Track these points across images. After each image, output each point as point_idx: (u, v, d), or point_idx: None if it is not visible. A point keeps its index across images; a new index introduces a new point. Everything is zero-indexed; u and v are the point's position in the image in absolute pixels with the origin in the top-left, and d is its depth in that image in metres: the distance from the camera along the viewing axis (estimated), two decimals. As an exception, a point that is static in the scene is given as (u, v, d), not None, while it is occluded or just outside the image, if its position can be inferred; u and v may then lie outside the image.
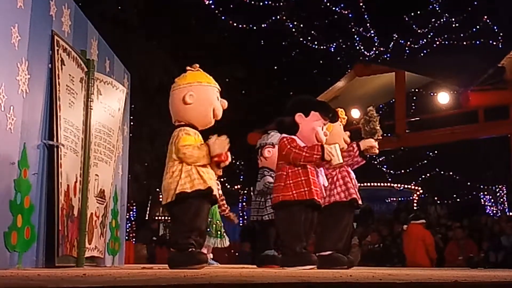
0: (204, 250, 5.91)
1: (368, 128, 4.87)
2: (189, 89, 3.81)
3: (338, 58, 17.75)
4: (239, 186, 17.32)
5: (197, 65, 3.96)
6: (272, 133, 5.61)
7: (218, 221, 6.51)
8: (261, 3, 15.50)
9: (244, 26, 15.49)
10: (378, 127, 4.89)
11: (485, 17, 16.11)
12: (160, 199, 4.32)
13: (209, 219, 6.15)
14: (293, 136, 4.26)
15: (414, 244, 9.60)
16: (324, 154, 4.14)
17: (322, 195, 4.39)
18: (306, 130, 4.28)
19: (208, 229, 6.23)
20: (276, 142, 4.97)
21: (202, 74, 3.92)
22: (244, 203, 17.77)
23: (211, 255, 6.61)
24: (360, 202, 4.84)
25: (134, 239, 14.64)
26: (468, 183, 19.47)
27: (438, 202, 15.66)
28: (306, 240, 4.24)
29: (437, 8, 16.93)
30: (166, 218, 15.94)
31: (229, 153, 3.84)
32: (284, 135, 4.32)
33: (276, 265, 5.04)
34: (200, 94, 3.81)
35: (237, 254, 12.96)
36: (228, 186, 15.32)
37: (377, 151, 4.94)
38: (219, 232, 6.46)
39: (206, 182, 3.70)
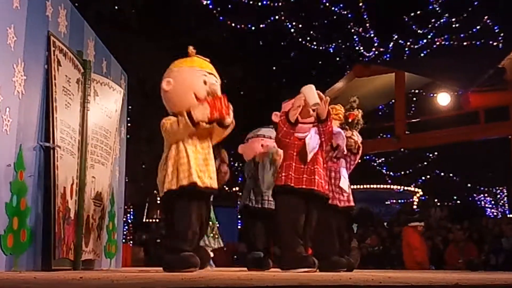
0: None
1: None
2: (168, 75, 3.68)
3: (338, 59, 17.75)
4: (237, 188, 17.30)
5: (191, 48, 3.76)
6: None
7: (211, 222, 6.46)
8: (260, 3, 15.50)
9: (243, 26, 15.48)
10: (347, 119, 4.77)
11: (486, 17, 16.11)
12: (158, 201, 4.31)
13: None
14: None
15: (403, 246, 9.70)
16: (290, 115, 4.13)
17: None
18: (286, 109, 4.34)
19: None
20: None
21: (188, 59, 3.74)
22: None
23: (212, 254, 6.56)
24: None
25: (131, 242, 14.62)
26: (468, 185, 19.48)
27: (438, 204, 15.66)
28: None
29: (437, 9, 16.93)
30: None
31: (227, 107, 3.59)
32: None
33: (262, 269, 5.02)
34: (178, 79, 3.64)
35: (235, 257, 12.95)
36: (226, 188, 15.29)
37: (354, 144, 4.83)
38: (213, 233, 6.41)
39: (191, 176, 3.52)
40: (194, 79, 3.65)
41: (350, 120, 4.84)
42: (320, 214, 4.40)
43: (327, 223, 4.66)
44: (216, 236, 6.31)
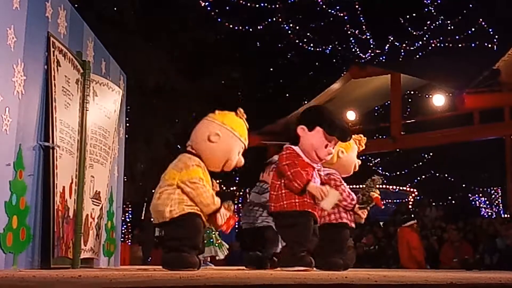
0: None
1: (363, 198, 4.71)
2: (220, 130, 3.73)
3: (334, 60, 17.80)
4: (234, 188, 17.33)
5: (243, 112, 3.88)
6: None
7: (215, 232, 6.51)
8: (257, 5, 15.53)
9: (241, 28, 15.52)
10: (371, 200, 4.71)
11: (481, 19, 16.18)
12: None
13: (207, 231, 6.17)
14: (295, 149, 4.12)
15: (401, 247, 9.73)
16: (306, 190, 4.01)
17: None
18: (306, 144, 4.11)
19: (206, 241, 6.24)
20: None
21: (241, 123, 3.85)
22: (240, 205, 17.76)
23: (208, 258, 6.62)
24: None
25: (129, 241, 14.63)
26: (463, 185, 19.56)
27: (434, 204, 15.72)
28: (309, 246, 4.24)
29: (433, 11, 17.00)
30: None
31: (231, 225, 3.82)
32: (288, 145, 4.20)
33: (262, 268, 5.05)
34: (225, 140, 3.73)
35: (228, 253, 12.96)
36: (224, 188, 15.33)
37: (362, 220, 4.88)
38: (218, 242, 6.48)
39: (180, 207, 3.66)
40: (234, 148, 3.79)
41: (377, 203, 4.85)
42: (329, 230, 4.53)
43: (338, 237, 4.71)
44: (218, 242, 6.37)
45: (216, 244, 6.42)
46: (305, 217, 4.12)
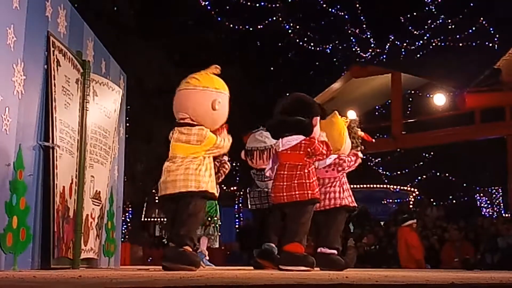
0: (205, 240, 6.01)
1: (354, 141, 5.10)
2: (218, 96, 3.94)
3: (335, 60, 17.78)
4: (235, 188, 17.32)
5: (219, 67, 4.04)
6: (263, 133, 5.50)
7: (217, 218, 6.52)
8: (257, 4, 15.52)
9: (241, 27, 15.51)
10: (361, 139, 5.14)
11: (481, 18, 16.15)
12: (157, 201, 4.37)
13: (211, 216, 6.22)
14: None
15: (400, 247, 9.73)
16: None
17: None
18: (317, 133, 4.43)
19: (212, 224, 6.29)
20: (274, 144, 4.91)
21: (222, 84, 4.05)
22: (240, 205, 17.78)
23: (207, 257, 6.60)
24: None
25: (130, 241, 14.61)
26: (464, 185, 19.52)
27: (434, 203, 15.69)
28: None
29: (433, 10, 16.98)
30: (162, 219, 15.96)
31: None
32: (304, 138, 4.36)
33: (272, 263, 5.03)
34: (223, 103, 3.97)
35: (228, 253, 12.98)
36: (225, 188, 15.32)
37: (360, 160, 5.12)
38: (216, 229, 6.49)
39: (210, 183, 3.85)
40: (228, 108, 4.04)
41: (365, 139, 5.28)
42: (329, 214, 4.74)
43: (337, 221, 4.83)
44: (217, 234, 6.40)
45: (217, 226, 6.44)
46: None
